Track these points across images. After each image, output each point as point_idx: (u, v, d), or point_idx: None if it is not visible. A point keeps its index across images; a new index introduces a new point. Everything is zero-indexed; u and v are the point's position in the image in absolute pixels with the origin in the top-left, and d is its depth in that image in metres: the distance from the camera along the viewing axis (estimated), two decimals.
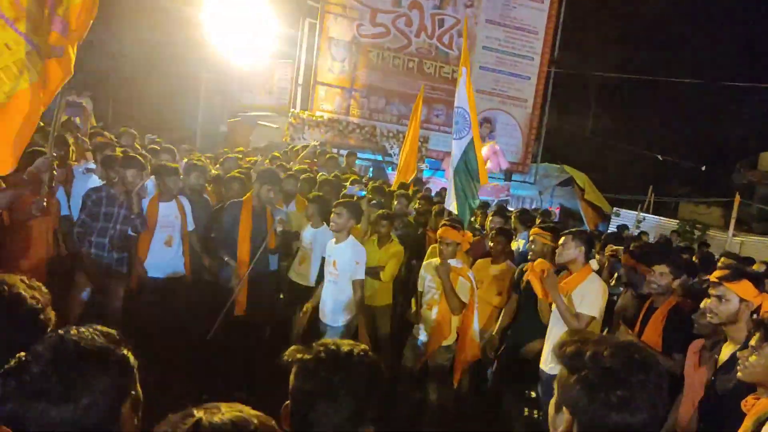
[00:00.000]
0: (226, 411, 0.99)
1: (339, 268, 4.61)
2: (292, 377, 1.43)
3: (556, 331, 4.06)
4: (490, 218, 6.78)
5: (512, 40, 14.95)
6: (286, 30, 13.11)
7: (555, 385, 1.45)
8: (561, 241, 4.15)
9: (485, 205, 10.94)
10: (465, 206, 5.81)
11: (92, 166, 5.50)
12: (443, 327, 4.63)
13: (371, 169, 14.28)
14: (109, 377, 1.20)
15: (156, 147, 6.19)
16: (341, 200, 4.74)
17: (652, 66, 19.81)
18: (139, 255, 4.85)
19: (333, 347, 1.43)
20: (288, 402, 1.43)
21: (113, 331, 1.29)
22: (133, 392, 1.27)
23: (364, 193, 6.08)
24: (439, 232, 4.78)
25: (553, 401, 1.46)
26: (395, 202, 6.80)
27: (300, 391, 1.39)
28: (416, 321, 4.92)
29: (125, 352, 1.27)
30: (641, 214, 15.96)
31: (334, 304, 4.68)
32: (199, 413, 0.97)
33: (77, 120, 8.62)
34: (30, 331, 1.42)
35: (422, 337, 4.79)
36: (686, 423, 3.06)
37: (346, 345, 1.45)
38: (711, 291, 2.93)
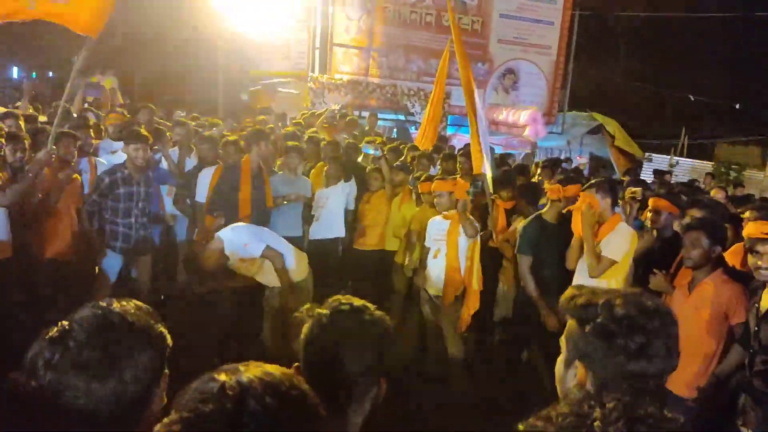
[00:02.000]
0: (247, 369, 0.92)
1: None
2: (306, 334, 1.43)
3: (581, 279, 4.04)
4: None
5: None
6: None
7: (563, 341, 1.42)
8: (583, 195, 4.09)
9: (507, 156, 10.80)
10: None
11: (117, 146, 5.60)
12: (454, 277, 4.75)
13: (395, 129, 14.16)
14: (152, 352, 1.18)
15: (164, 124, 6.29)
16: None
17: (680, 2, 18.91)
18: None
19: (346, 302, 1.46)
20: (297, 363, 1.43)
21: (149, 308, 1.27)
22: (165, 370, 1.25)
23: (379, 152, 6.06)
24: (432, 186, 4.91)
25: (561, 358, 1.43)
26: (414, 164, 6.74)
27: (317, 346, 1.40)
28: (421, 282, 5.00)
29: (162, 329, 1.24)
30: (674, 157, 15.51)
31: None
32: (221, 376, 0.89)
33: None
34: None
35: (432, 290, 4.90)
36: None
37: (356, 300, 1.48)
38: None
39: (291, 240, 5.68)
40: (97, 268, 4.73)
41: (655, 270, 3.73)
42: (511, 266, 5.15)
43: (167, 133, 5.83)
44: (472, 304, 4.83)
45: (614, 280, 3.95)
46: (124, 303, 1.22)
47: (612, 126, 14.74)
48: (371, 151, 6.15)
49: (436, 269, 4.85)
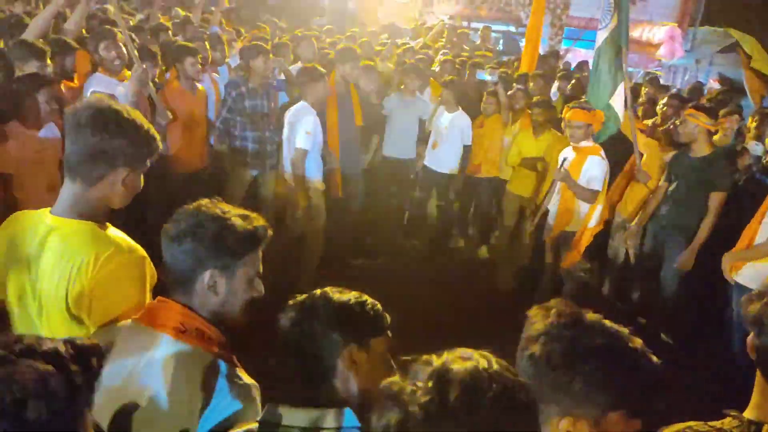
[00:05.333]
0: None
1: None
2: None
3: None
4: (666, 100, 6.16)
5: None
6: None
7: None
8: None
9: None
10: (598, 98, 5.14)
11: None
12: (566, 212, 4.53)
13: (501, 41, 13.44)
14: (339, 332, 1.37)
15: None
16: None
17: None
18: (330, 147, 4.84)
19: (570, 313, 1.26)
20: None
21: (367, 298, 1.44)
22: (353, 349, 1.37)
23: (495, 78, 5.78)
24: (567, 115, 4.55)
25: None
26: (531, 84, 6.40)
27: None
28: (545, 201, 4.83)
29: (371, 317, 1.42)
30: None
31: None
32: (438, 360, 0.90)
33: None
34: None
35: (550, 219, 4.72)
36: None
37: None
38: None
39: (404, 162, 5.72)
40: (227, 183, 4.93)
41: None
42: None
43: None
44: (584, 242, 4.62)
45: None
46: (336, 292, 1.43)
47: (749, 44, 13.10)
48: (488, 77, 5.88)
49: (555, 202, 4.69)
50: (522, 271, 5.31)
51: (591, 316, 1.20)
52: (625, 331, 1.18)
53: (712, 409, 1.45)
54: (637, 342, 1.16)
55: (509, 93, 5.69)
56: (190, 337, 1.46)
